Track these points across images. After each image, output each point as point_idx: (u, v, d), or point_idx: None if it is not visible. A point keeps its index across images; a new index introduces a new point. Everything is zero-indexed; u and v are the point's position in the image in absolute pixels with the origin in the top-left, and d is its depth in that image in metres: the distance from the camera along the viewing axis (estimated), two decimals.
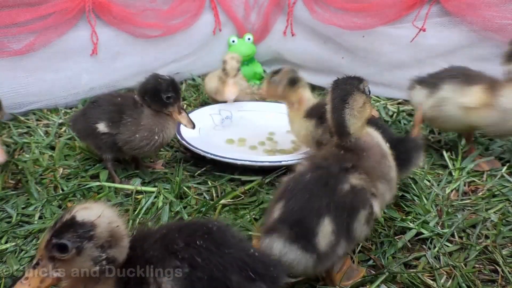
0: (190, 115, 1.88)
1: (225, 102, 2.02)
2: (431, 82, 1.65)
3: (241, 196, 1.41)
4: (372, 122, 1.42)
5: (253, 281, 0.79)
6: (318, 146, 1.44)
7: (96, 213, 0.75)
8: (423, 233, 1.23)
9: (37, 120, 2.00)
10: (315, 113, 1.47)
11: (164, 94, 1.39)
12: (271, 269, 0.82)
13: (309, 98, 1.54)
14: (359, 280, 1.06)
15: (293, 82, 1.54)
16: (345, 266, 1.05)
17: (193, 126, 1.47)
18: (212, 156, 1.53)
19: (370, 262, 1.15)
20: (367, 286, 1.05)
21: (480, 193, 1.45)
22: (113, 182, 1.48)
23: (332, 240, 0.91)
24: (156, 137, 1.45)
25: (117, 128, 1.45)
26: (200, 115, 1.94)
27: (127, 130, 1.44)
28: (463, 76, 1.59)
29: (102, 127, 1.46)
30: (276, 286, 0.82)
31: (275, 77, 1.56)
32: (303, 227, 0.91)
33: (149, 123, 1.44)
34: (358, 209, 0.94)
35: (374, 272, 1.09)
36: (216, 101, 2.09)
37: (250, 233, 1.21)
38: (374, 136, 1.07)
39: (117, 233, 0.76)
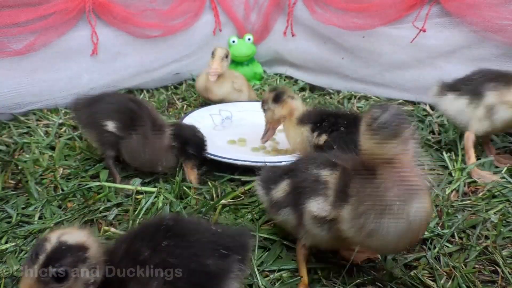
0: (190, 115, 1.90)
1: (220, 101, 2.03)
2: (467, 88, 1.57)
3: (241, 197, 1.42)
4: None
5: (227, 256, 0.79)
6: (317, 150, 1.44)
7: (81, 235, 0.73)
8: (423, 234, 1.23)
9: (37, 120, 2.00)
10: (308, 119, 1.49)
11: (189, 149, 1.46)
12: (238, 238, 0.83)
13: (298, 107, 1.53)
14: (359, 280, 1.06)
15: (277, 98, 1.54)
16: None
17: (199, 183, 1.49)
18: (212, 157, 1.53)
19: (370, 263, 1.15)
20: (367, 287, 1.05)
21: (480, 194, 1.44)
22: (114, 179, 1.48)
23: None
24: (164, 163, 1.48)
25: (126, 133, 1.47)
26: (200, 115, 1.94)
27: (139, 140, 1.46)
28: (499, 77, 1.54)
29: (110, 125, 1.48)
30: (247, 252, 0.83)
31: (263, 107, 1.60)
32: None
33: (165, 147, 1.47)
34: None
35: (374, 273, 1.09)
36: (211, 101, 2.09)
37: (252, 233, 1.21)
38: None
39: (99, 253, 0.74)
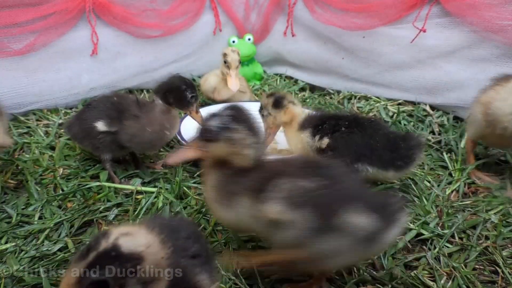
0: (190, 116, 1.89)
1: (223, 102, 2.03)
2: None
3: None
4: (373, 121, 1.44)
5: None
6: (319, 154, 1.43)
7: (142, 241, 0.63)
8: (423, 234, 1.23)
9: (37, 120, 2.00)
10: (308, 124, 1.48)
11: (189, 94, 1.46)
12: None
13: (299, 113, 1.53)
14: (360, 280, 1.06)
15: (278, 103, 1.53)
16: None
17: None
18: None
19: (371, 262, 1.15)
20: (367, 286, 1.05)
21: (481, 194, 1.45)
22: (113, 182, 1.48)
23: None
24: (167, 133, 1.50)
25: (118, 125, 1.46)
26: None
27: (134, 125, 1.46)
28: None
29: (100, 125, 1.47)
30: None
31: (262, 112, 1.58)
32: None
33: (162, 119, 1.48)
34: None
35: (374, 273, 1.09)
36: (214, 101, 2.09)
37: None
38: None
39: (160, 266, 0.63)
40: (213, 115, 0.96)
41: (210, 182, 0.99)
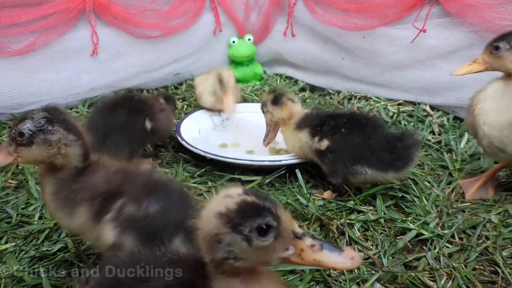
0: (190, 116, 1.90)
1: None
2: None
3: None
4: (371, 118, 1.43)
5: None
6: (318, 155, 1.43)
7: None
8: (423, 234, 1.23)
9: None
10: (306, 123, 1.46)
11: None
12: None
13: (298, 111, 1.52)
14: (360, 279, 1.06)
15: (276, 100, 1.52)
16: None
17: None
18: (212, 156, 1.53)
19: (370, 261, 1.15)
20: (367, 285, 1.05)
21: None
22: None
23: None
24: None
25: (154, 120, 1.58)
26: (200, 116, 1.94)
27: (163, 118, 1.65)
28: None
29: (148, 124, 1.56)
30: None
31: (263, 109, 1.58)
32: None
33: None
34: None
35: (374, 272, 1.09)
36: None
37: None
38: None
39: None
40: (25, 118, 0.93)
41: (47, 191, 0.95)
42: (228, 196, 0.62)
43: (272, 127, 1.59)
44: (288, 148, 1.57)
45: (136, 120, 1.50)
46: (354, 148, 1.36)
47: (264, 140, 1.62)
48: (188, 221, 0.77)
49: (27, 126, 0.91)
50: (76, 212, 0.93)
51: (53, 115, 0.95)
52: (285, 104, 1.51)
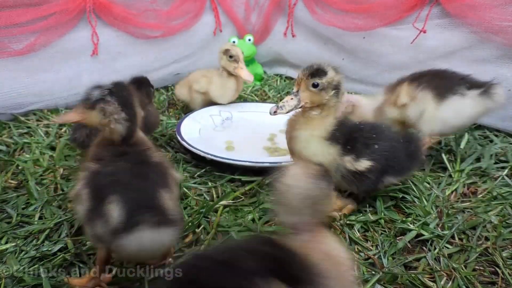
0: (189, 116, 1.90)
1: (217, 104, 2.03)
2: None
3: (242, 197, 1.42)
4: (389, 128, 1.33)
5: None
6: (351, 175, 1.23)
7: None
8: (423, 235, 1.23)
9: (37, 120, 2.00)
10: (339, 136, 1.24)
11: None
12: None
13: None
14: (360, 280, 1.06)
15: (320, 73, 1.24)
16: None
17: None
18: (212, 157, 1.53)
19: (370, 261, 1.15)
20: (367, 286, 1.05)
21: (480, 195, 1.45)
22: None
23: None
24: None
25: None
26: (200, 116, 1.94)
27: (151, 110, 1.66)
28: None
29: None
30: None
31: (318, 81, 1.20)
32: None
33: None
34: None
35: (374, 273, 1.09)
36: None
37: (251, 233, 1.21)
38: None
39: None
40: (97, 86, 1.05)
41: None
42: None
43: (309, 105, 1.21)
44: (300, 153, 1.27)
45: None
46: (387, 162, 1.26)
47: (274, 109, 1.23)
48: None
49: (93, 92, 1.03)
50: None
51: (117, 89, 1.03)
52: (343, 93, 1.27)
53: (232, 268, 0.66)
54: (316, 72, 1.20)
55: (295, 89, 1.21)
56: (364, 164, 1.22)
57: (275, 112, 1.20)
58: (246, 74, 1.94)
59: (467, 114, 1.53)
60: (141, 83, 1.72)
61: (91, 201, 0.91)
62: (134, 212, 0.86)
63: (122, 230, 0.85)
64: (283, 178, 0.76)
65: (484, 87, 1.51)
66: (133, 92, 1.07)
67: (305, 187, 0.75)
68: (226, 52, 1.94)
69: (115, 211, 0.86)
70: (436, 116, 1.53)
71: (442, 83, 1.55)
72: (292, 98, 1.20)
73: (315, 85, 1.19)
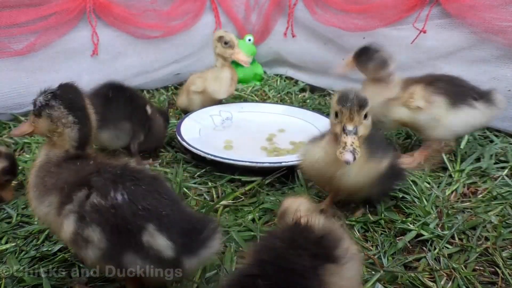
0: (189, 116, 1.90)
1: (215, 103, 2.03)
2: None
3: (242, 197, 1.42)
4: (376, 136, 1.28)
5: None
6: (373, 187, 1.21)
7: None
8: (423, 235, 1.23)
9: None
10: (377, 147, 1.21)
11: None
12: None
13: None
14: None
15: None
16: None
17: None
18: (212, 157, 1.53)
19: (370, 261, 1.15)
20: (367, 285, 1.05)
21: (480, 195, 1.45)
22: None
23: None
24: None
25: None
26: (200, 116, 1.94)
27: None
28: None
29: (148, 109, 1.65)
30: None
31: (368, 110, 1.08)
32: None
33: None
34: None
35: (374, 273, 1.09)
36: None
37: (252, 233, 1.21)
38: None
39: None
40: (43, 91, 0.96)
41: (35, 163, 0.97)
42: None
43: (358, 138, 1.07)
44: (352, 186, 1.18)
45: (138, 103, 1.62)
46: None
47: (352, 156, 1.04)
48: (161, 207, 0.83)
49: (38, 98, 0.95)
50: (44, 198, 0.90)
51: (62, 92, 0.95)
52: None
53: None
54: (364, 102, 1.06)
55: (350, 127, 1.05)
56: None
57: (354, 159, 1.02)
58: (243, 57, 1.96)
59: (472, 124, 1.57)
60: (164, 115, 1.77)
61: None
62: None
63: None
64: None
65: (487, 97, 1.56)
66: (82, 93, 0.99)
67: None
68: (220, 39, 1.95)
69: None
70: (446, 123, 1.54)
71: (456, 90, 1.56)
72: (354, 138, 1.04)
73: (365, 116, 1.08)
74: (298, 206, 0.90)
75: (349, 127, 1.05)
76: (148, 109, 1.64)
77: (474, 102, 1.54)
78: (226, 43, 1.93)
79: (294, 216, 0.86)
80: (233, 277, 0.78)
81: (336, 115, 1.07)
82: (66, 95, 0.94)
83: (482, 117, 1.56)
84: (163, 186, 0.91)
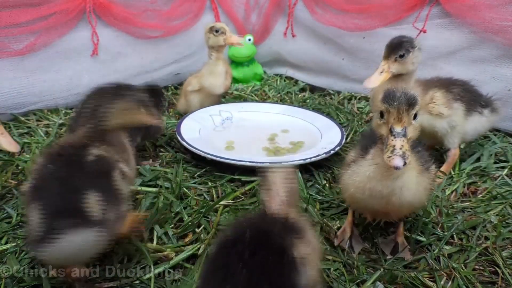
0: (189, 116, 1.90)
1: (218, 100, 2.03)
2: None
3: (242, 197, 1.42)
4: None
5: None
6: None
7: None
8: (422, 241, 1.23)
9: (37, 120, 2.00)
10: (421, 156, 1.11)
11: None
12: None
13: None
14: (360, 280, 1.06)
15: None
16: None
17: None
18: (212, 157, 1.53)
19: (371, 263, 1.15)
20: (366, 284, 1.05)
21: (480, 195, 1.45)
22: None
23: (102, 206, 0.92)
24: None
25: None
26: (200, 116, 1.94)
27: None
28: None
29: None
30: None
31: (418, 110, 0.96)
32: (69, 209, 0.89)
33: None
34: (109, 171, 1.00)
35: (374, 273, 1.09)
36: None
37: None
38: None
39: None
40: None
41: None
42: None
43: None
44: (409, 203, 1.03)
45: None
46: None
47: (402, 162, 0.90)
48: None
49: None
50: None
51: None
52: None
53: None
54: (414, 100, 0.94)
55: (398, 129, 0.93)
56: None
57: (405, 164, 0.90)
58: (236, 38, 1.98)
59: (480, 131, 1.59)
60: (154, 92, 1.76)
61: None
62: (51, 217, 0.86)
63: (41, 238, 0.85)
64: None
65: (492, 105, 1.58)
66: None
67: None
68: (211, 29, 1.95)
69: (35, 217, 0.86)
70: (460, 130, 1.53)
71: (470, 97, 1.55)
72: (403, 140, 0.93)
73: (415, 116, 0.96)
74: (283, 181, 0.92)
75: (398, 129, 0.93)
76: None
77: (483, 109, 1.55)
78: (217, 31, 1.94)
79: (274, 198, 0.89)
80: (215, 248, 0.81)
81: (381, 115, 0.96)
82: None
83: (487, 125, 1.58)
84: None
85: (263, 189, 0.92)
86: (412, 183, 1.00)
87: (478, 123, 1.55)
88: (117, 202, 0.98)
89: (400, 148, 0.91)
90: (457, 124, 1.52)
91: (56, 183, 0.91)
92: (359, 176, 1.04)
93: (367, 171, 1.01)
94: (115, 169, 1.02)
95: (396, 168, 0.89)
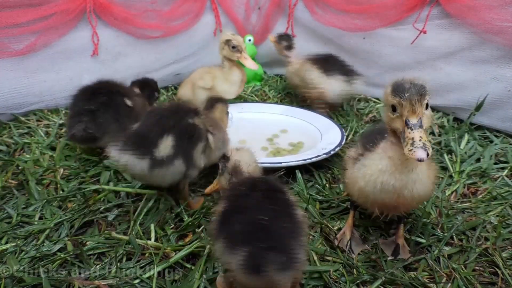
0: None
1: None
2: None
3: None
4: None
5: None
6: None
7: None
8: (421, 242, 1.23)
9: (37, 120, 2.00)
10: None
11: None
12: None
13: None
14: (360, 281, 1.06)
15: None
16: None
17: None
18: None
19: (371, 263, 1.15)
20: (367, 287, 1.05)
21: (480, 196, 1.45)
22: None
23: (171, 153, 1.18)
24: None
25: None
26: None
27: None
28: None
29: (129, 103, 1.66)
30: None
31: (428, 99, 0.94)
32: (145, 137, 1.18)
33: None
34: (196, 140, 1.25)
35: (374, 273, 1.09)
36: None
37: None
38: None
39: None
40: None
41: None
42: None
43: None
44: (419, 196, 1.03)
45: (117, 99, 1.64)
46: None
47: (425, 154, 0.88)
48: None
49: None
50: None
51: None
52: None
53: None
54: (423, 89, 0.92)
55: (414, 120, 0.91)
56: None
57: (428, 155, 0.87)
58: (250, 63, 1.97)
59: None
60: (146, 85, 1.79)
61: None
62: None
63: None
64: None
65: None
66: None
67: None
68: (227, 42, 1.95)
69: None
70: None
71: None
72: (421, 131, 0.90)
73: (427, 106, 0.94)
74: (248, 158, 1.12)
75: (413, 121, 0.91)
76: (128, 102, 1.65)
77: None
78: (234, 47, 1.95)
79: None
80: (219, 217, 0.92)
81: (394, 109, 0.94)
82: None
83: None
84: None
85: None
86: (424, 176, 1.00)
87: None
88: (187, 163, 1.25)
89: (420, 140, 0.89)
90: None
91: None
92: (370, 170, 1.02)
93: (379, 165, 1.00)
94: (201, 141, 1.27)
95: (420, 160, 0.87)
